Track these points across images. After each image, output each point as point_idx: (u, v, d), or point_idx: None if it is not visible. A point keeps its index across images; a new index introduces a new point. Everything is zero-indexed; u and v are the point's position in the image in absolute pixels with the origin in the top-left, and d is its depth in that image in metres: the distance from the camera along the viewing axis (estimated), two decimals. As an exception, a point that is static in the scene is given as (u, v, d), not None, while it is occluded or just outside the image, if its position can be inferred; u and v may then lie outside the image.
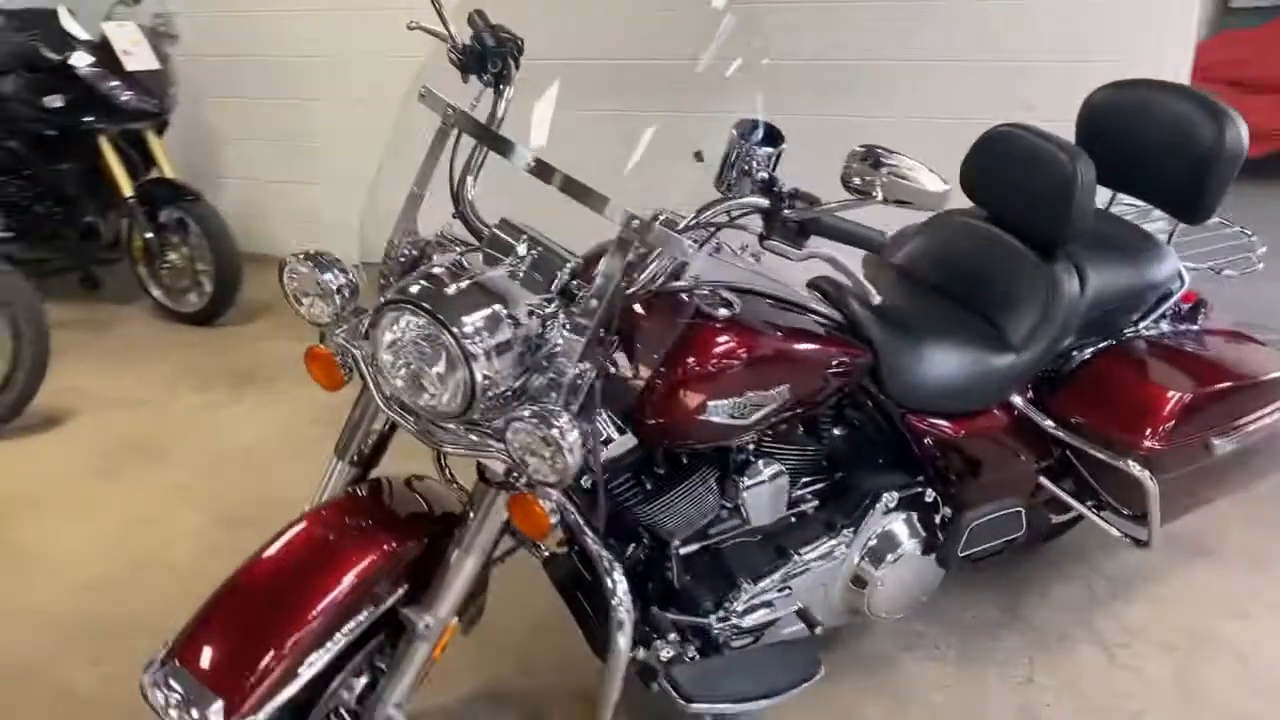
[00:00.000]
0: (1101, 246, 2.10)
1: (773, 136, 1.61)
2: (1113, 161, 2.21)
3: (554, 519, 1.52)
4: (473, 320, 1.42)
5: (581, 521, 1.62)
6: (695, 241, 1.54)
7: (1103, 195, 2.22)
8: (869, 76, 3.97)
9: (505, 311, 1.46)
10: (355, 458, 1.75)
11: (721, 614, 1.86)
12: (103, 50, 4.08)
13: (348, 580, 1.55)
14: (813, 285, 1.95)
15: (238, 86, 5.13)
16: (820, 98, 4.04)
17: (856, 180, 1.42)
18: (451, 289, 1.45)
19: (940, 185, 1.41)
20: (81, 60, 4.04)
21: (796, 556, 1.94)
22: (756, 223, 1.55)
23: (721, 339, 1.62)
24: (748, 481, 1.80)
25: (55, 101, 4.03)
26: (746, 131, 1.62)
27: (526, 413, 1.40)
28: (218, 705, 1.41)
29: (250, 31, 5.03)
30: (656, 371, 1.59)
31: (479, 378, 1.42)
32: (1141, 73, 3.17)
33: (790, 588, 1.96)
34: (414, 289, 1.46)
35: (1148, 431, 1.99)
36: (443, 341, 1.42)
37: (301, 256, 1.59)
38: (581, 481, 1.59)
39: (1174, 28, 3.49)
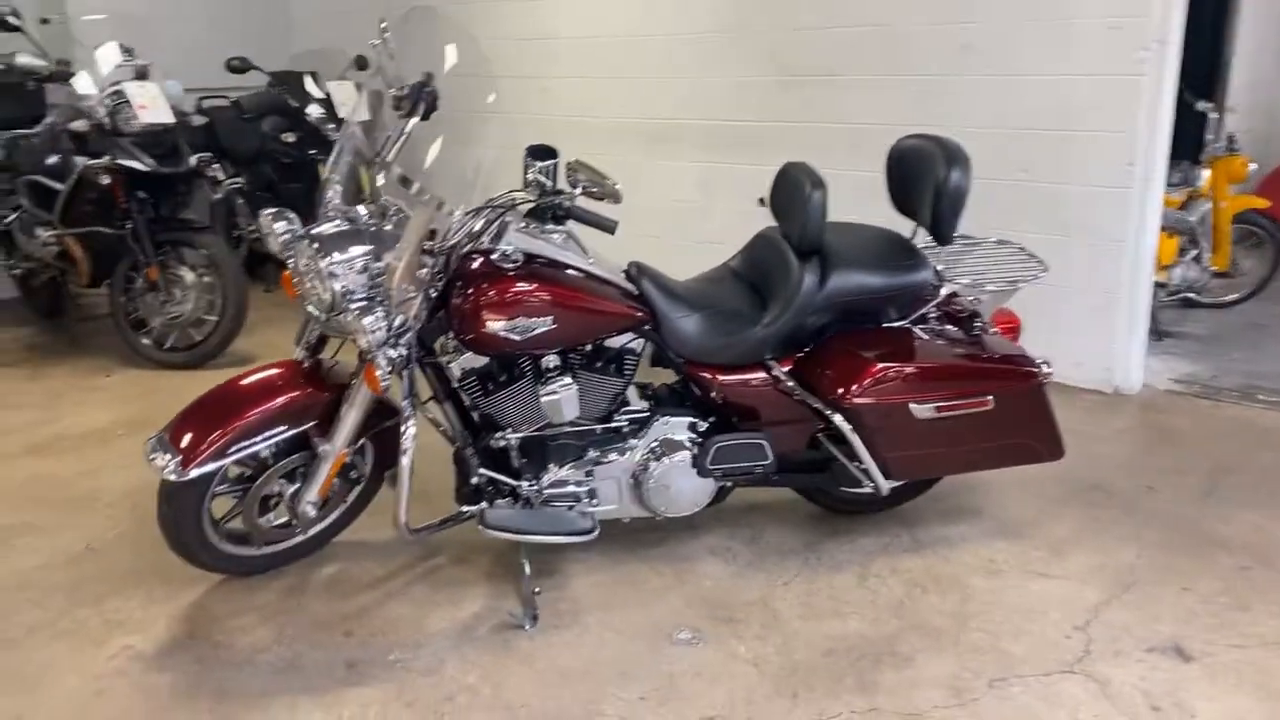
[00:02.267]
0: (860, 255, 2.78)
1: (548, 153, 2.53)
2: (902, 195, 2.89)
3: (383, 381, 2.50)
4: (336, 253, 2.44)
5: (406, 386, 2.58)
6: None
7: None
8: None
9: (362, 251, 2.47)
10: (306, 346, 2.81)
11: (529, 482, 2.74)
12: (329, 102, 5.59)
13: (276, 403, 2.61)
14: (628, 268, 2.81)
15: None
16: (832, 157, 4.76)
17: (582, 186, 2.36)
18: (330, 233, 2.49)
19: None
20: (314, 111, 5.54)
21: (594, 453, 2.78)
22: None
23: (499, 279, 2.53)
24: (544, 389, 2.67)
25: (290, 137, 5.58)
26: (535, 153, 2.54)
27: (354, 306, 2.41)
28: (176, 459, 2.50)
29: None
30: (466, 299, 2.53)
31: (337, 288, 2.44)
32: (1117, 146, 3.72)
33: (593, 475, 2.79)
34: (313, 230, 2.51)
35: (845, 388, 2.65)
36: (319, 264, 2.45)
37: (272, 213, 2.67)
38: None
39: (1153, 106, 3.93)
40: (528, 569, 2.79)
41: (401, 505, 2.60)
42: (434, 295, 2.56)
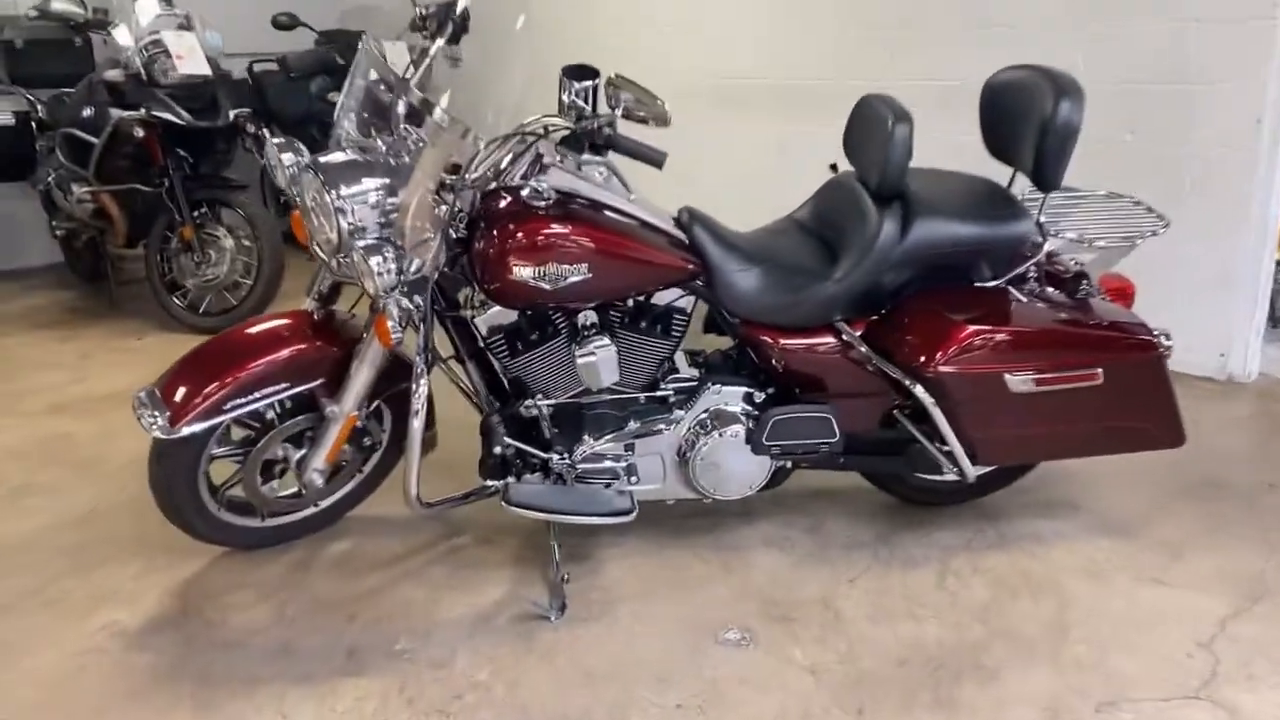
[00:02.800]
0: (950, 202, 2.40)
1: (588, 73, 2.19)
2: (999, 137, 2.50)
3: (395, 334, 2.19)
4: (344, 186, 2.13)
5: (422, 340, 2.27)
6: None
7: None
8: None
9: (374, 184, 2.16)
10: (317, 295, 2.51)
11: (561, 456, 2.41)
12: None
13: (279, 357, 2.33)
14: (679, 214, 2.46)
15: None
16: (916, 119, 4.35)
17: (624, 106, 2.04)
18: (338, 163, 2.19)
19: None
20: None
21: (636, 424, 2.45)
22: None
23: (529, 220, 2.21)
24: (579, 350, 2.34)
25: (336, 97, 5.32)
26: (571, 73, 2.21)
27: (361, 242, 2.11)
28: (165, 415, 2.23)
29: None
30: (490, 241, 2.22)
31: (344, 224, 2.14)
32: (1243, 100, 3.27)
33: (633, 450, 2.46)
34: (319, 159, 2.21)
35: (929, 354, 2.27)
36: (324, 198, 2.15)
37: (280, 142, 2.38)
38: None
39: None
40: (557, 553, 2.47)
41: (412, 475, 2.29)
42: (455, 237, 2.24)
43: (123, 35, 4.44)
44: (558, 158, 2.29)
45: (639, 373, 2.46)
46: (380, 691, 2.08)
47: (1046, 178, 2.33)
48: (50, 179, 4.90)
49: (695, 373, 2.57)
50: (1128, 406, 2.39)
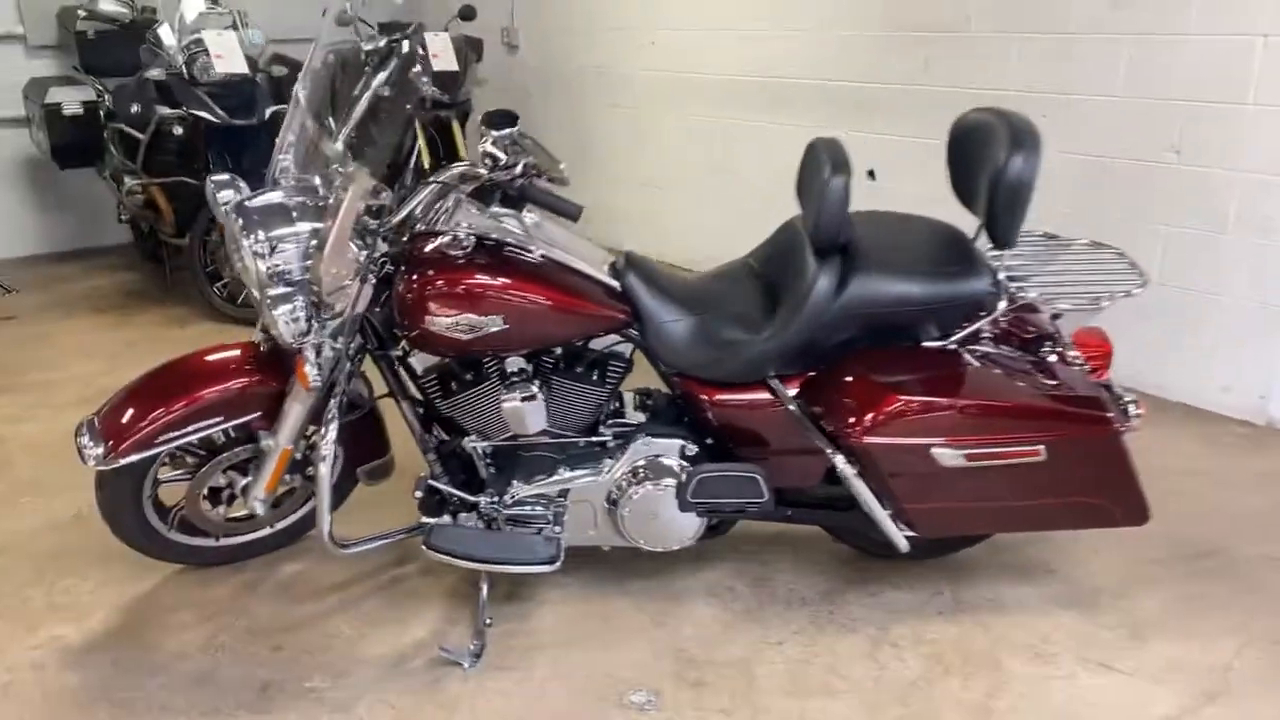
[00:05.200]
0: (897, 256, 2.26)
1: (508, 119, 2.14)
2: (961, 184, 2.35)
3: (311, 375, 2.21)
4: (261, 231, 2.14)
5: (344, 381, 2.27)
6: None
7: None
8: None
9: (297, 230, 2.17)
10: (263, 327, 2.53)
11: (489, 499, 2.40)
12: (425, 56, 5.35)
13: (213, 391, 2.37)
14: (616, 260, 2.39)
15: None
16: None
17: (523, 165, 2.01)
18: (259, 205, 2.20)
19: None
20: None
21: (566, 470, 2.41)
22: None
23: (446, 267, 2.18)
24: (505, 396, 2.31)
25: (386, 92, 5.37)
26: (491, 120, 2.16)
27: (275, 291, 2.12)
28: (102, 446, 2.30)
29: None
30: (408, 287, 2.20)
31: (263, 268, 2.15)
32: None
33: (566, 495, 2.42)
34: (245, 202, 2.22)
35: (854, 421, 2.14)
36: (244, 243, 2.17)
37: (222, 179, 2.40)
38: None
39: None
40: (484, 593, 2.46)
41: (324, 518, 2.31)
42: (375, 281, 2.23)
43: (166, 34, 4.58)
44: (471, 208, 2.25)
45: (575, 418, 2.42)
46: (278, 733, 2.12)
47: (998, 234, 2.17)
48: (108, 171, 5.12)
49: (641, 417, 2.51)
50: (1078, 484, 2.22)
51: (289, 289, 2.15)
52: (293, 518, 2.73)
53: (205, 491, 2.54)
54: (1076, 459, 2.17)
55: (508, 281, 2.19)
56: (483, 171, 2.13)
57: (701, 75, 5.29)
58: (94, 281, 5.57)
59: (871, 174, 4.55)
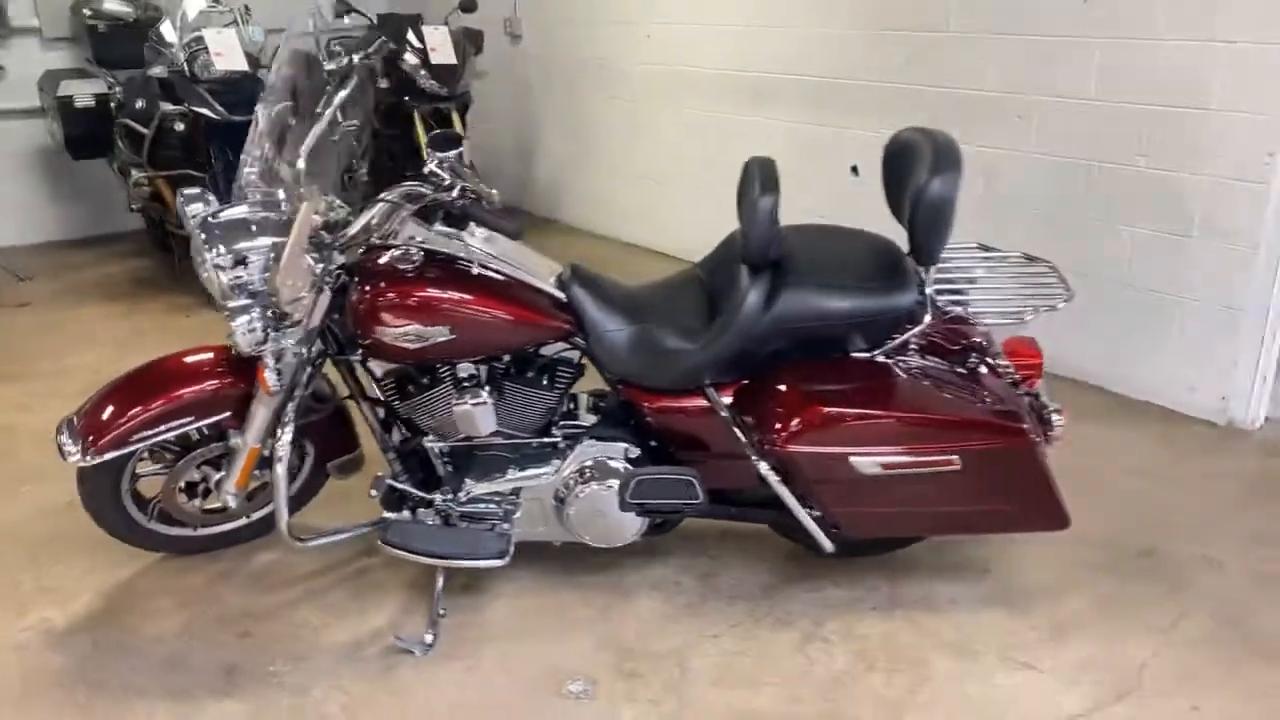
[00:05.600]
0: (826, 272, 2.35)
1: (452, 142, 2.26)
2: (892, 200, 2.43)
3: (271, 380, 2.35)
4: (222, 245, 2.28)
5: (303, 387, 2.41)
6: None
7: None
8: (984, 109, 4.01)
9: (257, 244, 2.31)
10: (235, 331, 2.69)
11: (444, 496, 2.54)
12: (423, 50, 5.47)
13: (186, 393, 2.52)
14: (563, 271, 2.51)
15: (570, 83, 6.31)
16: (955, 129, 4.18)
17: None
18: (222, 221, 2.34)
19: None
20: (410, 60, 5.45)
21: (517, 470, 2.54)
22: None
23: (394, 281, 2.31)
24: (455, 401, 2.44)
25: (383, 84, 5.51)
26: (437, 142, 2.28)
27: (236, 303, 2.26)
28: (80, 444, 2.46)
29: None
30: (360, 298, 2.33)
31: (224, 280, 2.29)
32: (1267, 123, 3.06)
33: (519, 494, 2.56)
34: (208, 218, 2.36)
35: (776, 430, 2.25)
36: (205, 257, 2.31)
37: (193, 193, 2.53)
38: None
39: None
40: (440, 584, 2.60)
41: (281, 515, 2.47)
42: (331, 291, 2.36)
43: (168, 32, 4.72)
44: (415, 225, 2.37)
45: (525, 420, 2.54)
46: (239, 714, 2.27)
47: (919, 252, 2.26)
48: (116, 163, 5.30)
49: (593, 419, 2.63)
50: (994, 492, 2.32)
51: (248, 301, 2.29)
52: (266, 509, 2.87)
53: (182, 485, 2.70)
54: (991, 468, 2.26)
55: (454, 294, 2.31)
56: (427, 190, 2.25)
57: (696, 69, 5.36)
58: (106, 269, 5.76)
59: (855, 169, 4.62)
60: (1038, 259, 2.51)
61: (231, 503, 2.65)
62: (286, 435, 2.38)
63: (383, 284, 2.31)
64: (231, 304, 2.28)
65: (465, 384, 2.46)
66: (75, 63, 5.98)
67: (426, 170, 2.26)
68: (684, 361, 2.38)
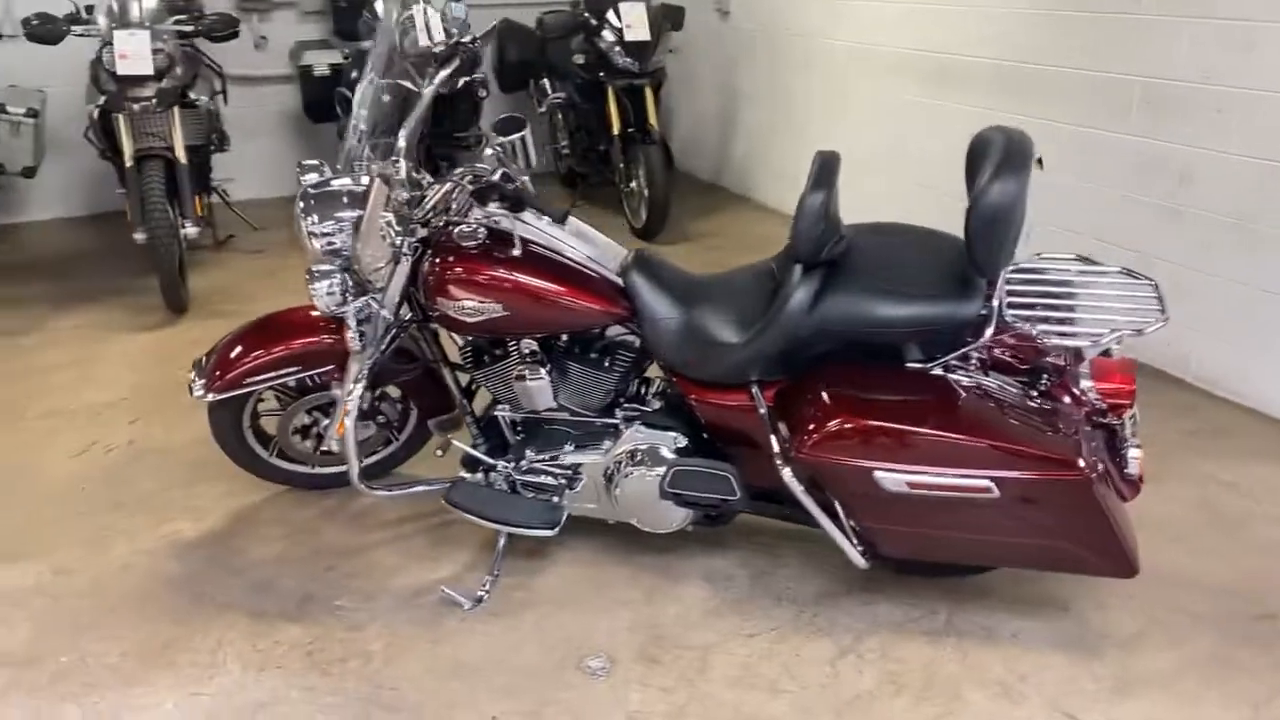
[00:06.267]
0: (884, 275, 2.23)
1: (515, 125, 2.35)
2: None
3: (351, 339, 2.56)
4: (317, 214, 2.50)
5: (374, 349, 2.60)
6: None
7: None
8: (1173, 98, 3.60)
9: (351, 215, 2.51)
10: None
11: (507, 464, 2.66)
12: (619, 27, 5.59)
13: (294, 345, 2.79)
14: (625, 259, 2.55)
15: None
16: (1114, 118, 3.80)
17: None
18: (325, 193, 2.56)
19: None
20: (607, 36, 5.59)
21: (575, 446, 2.62)
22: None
23: (458, 257, 2.44)
24: (516, 374, 2.55)
25: (579, 59, 5.69)
26: (500, 126, 2.38)
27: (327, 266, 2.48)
28: (203, 382, 2.79)
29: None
30: (429, 271, 2.49)
31: (317, 247, 2.52)
32: None
33: (578, 468, 2.64)
34: (309, 188, 2.58)
35: (801, 437, 2.17)
36: (302, 224, 2.54)
37: (310, 164, 2.77)
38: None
39: None
40: (500, 546, 2.74)
41: (352, 465, 2.67)
42: (410, 262, 2.52)
43: (381, 8, 5.11)
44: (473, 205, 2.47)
45: (586, 398, 2.61)
46: (300, 641, 2.51)
47: (975, 261, 2.10)
48: (339, 129, 5.81)
49: (656, 405, 2.66)
50: (1044, 528, 2.12)
51: (331, 266, 2.50)
52: (377, 456, 3.13)
53: (296, 426, 2.99)
54: (1035, 502, 2.08)
55: (508, 273, 2.41)
56: (487, 169, 2.35)
57: (879, 48, 5.15)
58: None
59: (1040, 161, 4.27)
60: (1140, 275, 2.25)
61: (335, 447, 2.90)
62: (357, 390, 2.58)
63: (450, 259, 2.45)
64: (315, 268, 2.49)
65: (527, 359, 2.56)
66: (323, 35, 6.59)
67: (487, 153, 2.36)
68: (727, 355, 2.35)
